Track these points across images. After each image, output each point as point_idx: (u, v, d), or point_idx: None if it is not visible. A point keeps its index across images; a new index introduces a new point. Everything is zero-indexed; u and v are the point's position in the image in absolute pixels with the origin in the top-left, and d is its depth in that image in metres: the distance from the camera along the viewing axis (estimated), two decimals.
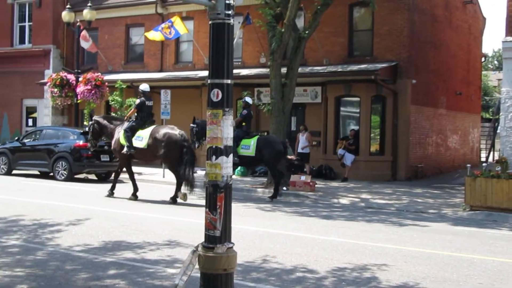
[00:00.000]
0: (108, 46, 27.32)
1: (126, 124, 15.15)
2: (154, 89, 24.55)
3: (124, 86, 22.34)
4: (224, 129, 4.91)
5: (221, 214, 4.82)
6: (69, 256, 8.07)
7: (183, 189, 14.25)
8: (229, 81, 4.95)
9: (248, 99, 16.51)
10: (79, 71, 22.57)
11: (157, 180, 19.43)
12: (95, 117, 16.11)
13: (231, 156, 5.00)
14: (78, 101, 22.16)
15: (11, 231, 9.94)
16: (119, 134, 15.16)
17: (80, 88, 21.88)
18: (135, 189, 14.94)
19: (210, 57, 4.95)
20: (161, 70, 25.92)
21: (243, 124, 15.96)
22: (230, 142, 4.99)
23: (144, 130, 14.94)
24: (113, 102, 21.93)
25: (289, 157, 16.94)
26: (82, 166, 18.83)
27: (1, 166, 20.86)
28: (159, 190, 16.85)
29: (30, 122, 28.96)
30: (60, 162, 19.29)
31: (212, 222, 4.85)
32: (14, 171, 20.77)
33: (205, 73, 22.66)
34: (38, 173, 20.79)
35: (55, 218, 11.32)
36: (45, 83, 25.22)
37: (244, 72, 22.04)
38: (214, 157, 4.91)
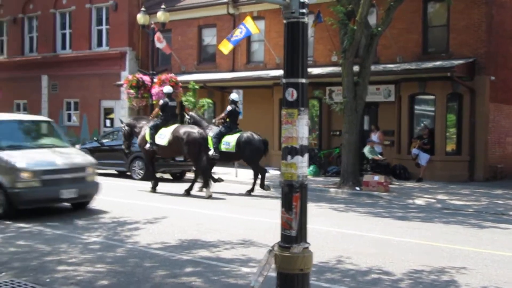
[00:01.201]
0: (181, 47, 27.44)
1: (151, 123, 16.03)
2: (226, 89, 24.96)
3: (197, 87, 22.23)
4: (299, 129, 4.87)
5: (297, 214, 4.80)
6: (147, 254, 8.20)
7: (197, 185, 15.44)
8: (304, 80, 4.91)
9: (234, 96, 16.62)
10: (154, 72, 22.57)
11: (230, 179, 19.43)
12: (125, 121, 17.05)
13: (306, 155, 4.94)
14: (154, 102, 22.07)
15: (92, 228, 10.22)
16: (145, 131, 16.04)
17: (155, 89, 21.85)
18: (155, 183, 15.76)
19: (285, 56, 4.92)
20: (232, 70, 25.94)
21: (227, 120, 16.26)
22: (305, 142, 4.95)
23: (166, 129, 15.67)
24: (186, 103, 21.73)
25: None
26: (157, 165, 18.26)
27: None
28: (232, 190, 16.96)
29: (108, 122, 29.29)
30: (137, 162, 19.42)
31: (288, 222, 4.84)
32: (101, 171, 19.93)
33: (276, 72, 22.62)
34: (116, 172, 20.96)
35: (133, 216, 11.49)
36: (121, 85, 25.27)
37: (315, 71, 21.79)
38: (289, 156, 4.86)
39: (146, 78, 22.64)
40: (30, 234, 9.60)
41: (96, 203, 12.84)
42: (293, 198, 4.84)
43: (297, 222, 4.81)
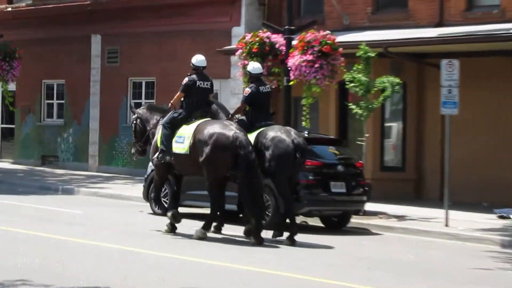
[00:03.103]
0: None
1: (166, 116, 16.61)
2: (427, 58, 24.61)
3: (372, 55, 20.88)
4: None
5: None
6: None
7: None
8: None
9: (252, 68, 17.52)
10: (293, 28, 21.78)
11: (434, 230, 18.99)
12: (137, 110, 18.00)
13: None
14: (291, 83, 21.37)
15: None
16: (158, 132, 16.78)
17: (294, 59, 20.93)
18: (174, 217, 16.35)
19: None
20: (439, 24, 24.33)
21: (247, 109, 17.15)
22: None
23: (188, 126, 16.09)
24: (352, 85, 20.69)
25: None
26: (298, 202, 18.17)
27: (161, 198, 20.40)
28: (440, 251, 16.95)
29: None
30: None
31: None
32: (182, 208, 19.85)
33: None
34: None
35: None
36: (232, 51, 24.70)
37: None
38: None
39: (278, 39, 22.15)
40: None
41: None
42: None
43: None
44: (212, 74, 27.60)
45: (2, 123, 34.93)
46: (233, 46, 25.18)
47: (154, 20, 29.95)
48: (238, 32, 26.83)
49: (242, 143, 15.47)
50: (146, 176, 21.39)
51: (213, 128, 15.81)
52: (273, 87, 22.20)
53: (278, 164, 16.27)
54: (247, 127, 16.71)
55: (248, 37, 22.30)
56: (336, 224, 19.89)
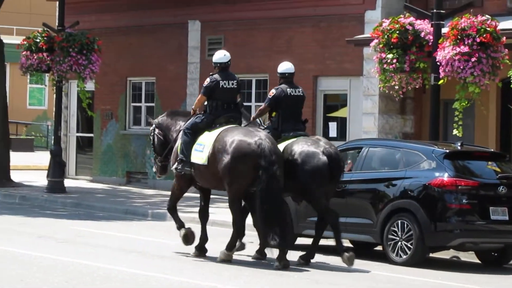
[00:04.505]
0: None
1: (188, 121, 17.82)
2: None
3: None
4: None
5: None
6: None
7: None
8: None
9: (284, 68, 18.42)
10: (442, 12, 22.03)
11: None
12: (155, 120, 19.32)
13: None
14: (440, 82, 21.80)
15: None
16: (179, 138, 18.00)
17: (445, 52, 21.23)
18: (202, 238, 17.93)
19: None
20: None
21: (273, 115, 18.23)
22: None
23: (210, 133, 17.27)
24: None
25: None
26: (447, 232, 18.72)
27: None
28: None
29: (333, 127, 29.51)
30: (399, 223, 19.24)
31: None
32: (301, 239, 20.82)
33: None
34: (349, 243, 20.76)
35: None
36: (366, 42, 24.71)
37: None
38: None
39: (424, 26, 22.61)
40: None
41: None
42: None
43: None
44: (340, 70, 27.75)
45: (78, 132, 35.04)
46: (366, 35, 25.55)
47: (266, 2, 30.26)
48: (373, 17, 27.02)
49: (265, 152, 16.38)
50: None
51: (235, 134, 16.83)
52: (417, 86, 23.03)
53: (313, 181, 17.17)
54: (273, 136, 17.57)
55: (386, 23, 22.54)
56: (496, 260, 19.74)
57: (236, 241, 17.12)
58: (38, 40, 29.96)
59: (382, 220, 19.03)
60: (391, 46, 22.33)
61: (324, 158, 17.05)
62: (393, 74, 22.47)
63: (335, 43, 28.30)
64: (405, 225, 18.66)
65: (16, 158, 36.52)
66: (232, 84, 17.61)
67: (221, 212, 22.75)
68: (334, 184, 17.66)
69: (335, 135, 28.91)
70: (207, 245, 17.85)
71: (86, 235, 20.31)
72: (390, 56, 22.26)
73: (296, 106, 18.15)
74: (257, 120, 18.76)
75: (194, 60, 32.27)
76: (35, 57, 29.53)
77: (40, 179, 31.93)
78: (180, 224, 18.17)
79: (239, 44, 30.81)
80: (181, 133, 17.75)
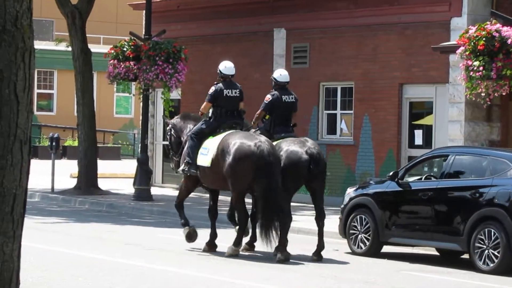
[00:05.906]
0: None
1: (195, 127, 18.92)
2: None
3: None
4: None
5: None
6: None
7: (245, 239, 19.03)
8: None
9: (278, 75, 19.92)
10: None
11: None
12: (171, 120, 20.62)
13: None
14: None
15: None
16: (187, 142, 19.07)
17: None
18: (212, 235, 19.29)
19: None
20: None
21: (266, 117, 19.57)
22: None
23: (214, 138, 18.44)
24: None
25: None
26: None
27: (359, 236, 21.08)
28: None
29: (418, 135, 29.47)
30: (486, 231, 19.00)
31: None
32: (387, 247, 20.83)
33: None
34: (436, 251, 21.28)
35: None
36: (452, 49, 24.78)
37: None
38: None
39: (510, 32, 22.67)
40: None
41: None
42: None
43: None
44: (426, 77, 28.10)
45: (164, 140, 34.48)
46: (453, 42, 25.51)
47: (352, 10, 30.46)
48: (460, 24, 26.87)
49: (264, 153, 17.63)
50: (342, 206, 21.73)
51: (237, 138, 18.08)
52: (503, 93, 23.07)
53: (291, 176, 18.40)
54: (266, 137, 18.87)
55: (472, 30, 22.66)
56: None
57: (242, 238, 18.41)
58: (125, 49, 30.27)
59: (468, 228, 18.92)
60: (478, 53, 22.44)
61: (306, 157, 18.31)
62: (479, 82, 22.62)
63: (420, 51, 28.44)
64: (492, 233, 18.57)
65: (103, 166, 37.05)
66: (235, 92, 18.97)
67: (306, 220, 22.84)
68: (319, 182, 18.92)
69: (420, 143, 29.21)
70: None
71: (173, 242, 20.58)
72: (476, 63, 22.38)
73: (288, 111, 19.44)
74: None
75: (279, 68, 31.92)
76: (122, 66, 29.87)
77: (127, 187, 32.34)
78: (185, 221, 19.42)
79: (324, 52, 31.11)
80: (188, 138, 18.95)
